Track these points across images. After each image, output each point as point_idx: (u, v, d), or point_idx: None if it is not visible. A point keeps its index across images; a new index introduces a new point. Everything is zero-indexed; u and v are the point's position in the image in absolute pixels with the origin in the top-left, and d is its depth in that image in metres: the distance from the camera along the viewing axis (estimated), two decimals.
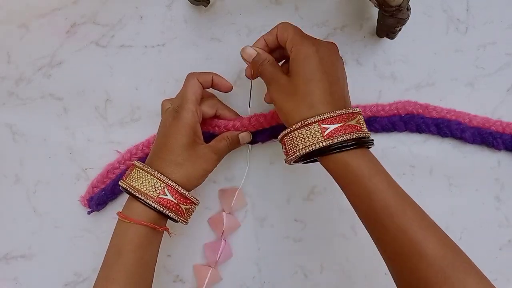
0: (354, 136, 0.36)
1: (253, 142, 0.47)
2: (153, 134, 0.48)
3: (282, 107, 0.38)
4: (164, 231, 0.40)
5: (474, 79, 0.48)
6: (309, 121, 0.36)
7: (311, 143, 0.36)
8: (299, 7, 0.47)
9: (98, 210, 0.48)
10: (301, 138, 0.36)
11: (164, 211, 0.38)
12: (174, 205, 0.39)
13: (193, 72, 0.43)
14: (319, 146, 0.35)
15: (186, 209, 0.40)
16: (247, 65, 0.42)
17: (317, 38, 0.39)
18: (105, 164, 0.49)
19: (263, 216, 0.49)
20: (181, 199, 0.39)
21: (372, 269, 0.49)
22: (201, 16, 0.48)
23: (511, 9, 0.48)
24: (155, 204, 0.38)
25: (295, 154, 0.37)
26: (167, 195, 0.38)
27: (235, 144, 0.45)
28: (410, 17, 0.42)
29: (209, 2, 0.45)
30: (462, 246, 0.49)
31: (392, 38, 0.46)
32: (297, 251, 0.49)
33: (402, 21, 0.42)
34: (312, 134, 0.36)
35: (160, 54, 0.48)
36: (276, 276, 0.49)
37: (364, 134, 0.36)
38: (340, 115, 0.36)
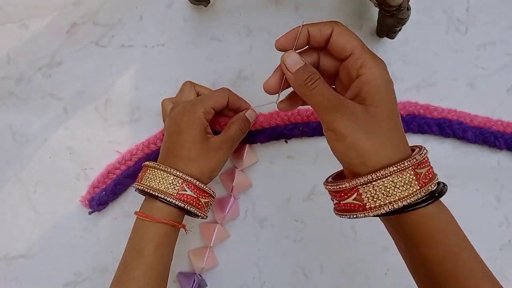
0: (438, 181, 0.31)
1: (251, 141, 0.47)
2: (154, 134, 0.48)
3: (359, 145, 0.30)
4: (181, 228, 0.40)
5: (474, 79, 0.48)
6: (404, 166, 0.29)
7: (407, 194, 0.29)
8: (299, 6, 0.47)
9: (99, 211, 0.48)
10: (392, 188, 0.29)
11: (186, 207, 0.38)
12: (195, 199, 0.39)
13: (229, 89, 0.44)
14: (418, 198, 0.29)
15: (205, 202, 0.40)
16: (274, 76, 0.34)
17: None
18: (105, 164, 0.49)
19: (263, 216, 0.49)
20: (200, 193, 0.39)
21: (372, 269, 0.49)
22: (201, 16, 0.48)
23: (511, 9, 0.48)
24: (176, 201, 0.38)
25: (383, 209, 0.29)
26: (186, 191, 0.38)
27: (245, 125, 0.44)
28: (410, 17, 0.42)
29: (209, 1, 0.45)
30: None
31: (392, 38, 0.46)
32: (297, 251, 0.49)
33: (402, 21, 0.42)
34: (407, 182, 0.29)
35: (160, 54, 0.48)
36: (276, 276, 0.49)
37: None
38: (426, 157, 0.30)
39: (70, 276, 0.49)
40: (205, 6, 0.46)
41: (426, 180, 0.30)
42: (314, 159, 0.48)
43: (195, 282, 0.47)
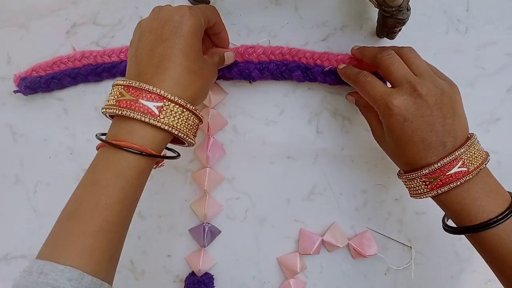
0: (458, 183, 0.35)
1: (247, 77, 0.46)
2: (112, 48, 0.47)
3: (386, 152, 0.40)
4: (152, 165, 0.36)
5: (474, 79, 0.48)
6: (412, 176, 0.37)
7: (417, 194, 0.37)
8: (299, 7, 0.47)
9: (25, 94, 0.47)
10: (411, 187, 0.38)
11: (124, 113, 0.32)
12: (133, 102, 0.33)
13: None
14: (426, 196, 0.37)
15: (156, 106, 0.33)
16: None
17: (402, 87, 0.36)
18: None
19: (263, 216, 0.49)
20: (140, 94, 0.33)
21: (372, 269, 0.49)
22: None
23: (511, 9, 0.48)
24: (114, 108, 0.33)
25: (481, 167, 0.36)
26: (124, 96, 0.33)
27: (222, 61, 0.42)
28: (410, 17, 0.42)
29: (209, 2, 0.45)
30: (462, 246, 0.49)
31: (392, 38, 0.46)
32: (297, 251, 0.49)
33: (402, 22, 0.42)
34: (417, 186, 0.37)
35: None
36: (276, 276, 0.49)
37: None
38: (438, 168, 0.35)
39: None
40: None
41: (439, 185, 0.36)
42: (314, 159, 0.49)
43: (206, 230, 0.47)
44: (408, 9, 0.41)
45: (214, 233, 0.48)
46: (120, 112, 0.32)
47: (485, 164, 0.36)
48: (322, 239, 0.48)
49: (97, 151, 0.35)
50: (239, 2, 0.47)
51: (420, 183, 0.36)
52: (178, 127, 0.33)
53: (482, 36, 0.48)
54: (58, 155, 0.49)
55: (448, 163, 0.35)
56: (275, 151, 0.48)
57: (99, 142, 0.34)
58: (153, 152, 0.33)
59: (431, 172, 0.35)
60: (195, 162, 0.49)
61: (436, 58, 0.48)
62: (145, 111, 0.32)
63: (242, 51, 0.46)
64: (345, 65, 0.44)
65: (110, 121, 0.49)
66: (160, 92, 0.32)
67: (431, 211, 0.49)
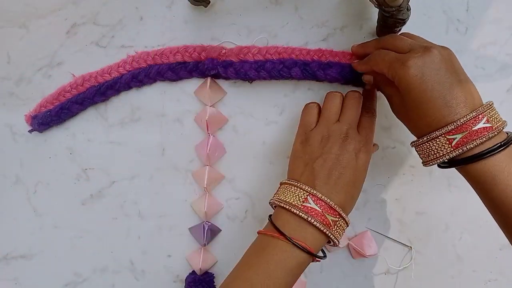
0: (483, 139, 0.35)
1: (213, 75, 0.47)
2: (110, 64, 0.47)
3: (405, 122, 0.41)
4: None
5: (474, 79, 0.48)
6: (436, 134, 0.36)
7: (437, 156, 0.37)
8: (299, 7, 0.47)
9: (40, 131, 0.48)
10: (430, 150, 0.38)
11: (309, 219, 0.37)
12: (319, 214, 0.37)
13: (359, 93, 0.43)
14: (448, 158, 0.37)
15: (333, 221, 0.38)
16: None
17: (414, 49, 0.38)
18: (105, 164, 0.49)
19: (263, 216, 0.49)
20: (326, 209, 0.38)
21: (372, 269, 0.49)
22: (201, 16, 0.48)
23: (511, 9, 0.48)
24: (299, 211, 0.37)
25: (503, 125, 0.37)
26: (310, 203, 0.38)
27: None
28: (410, 17, 0.42)
29: (209, 2, 0.45)
30: (462, 246, 0.49)
31: None
32: None
33: (402, 22, 0.42)
34: (440, 146, 0.37)
35: None
36: None
37: (494, 133, 0.35)
38: (463, 123, 0.35)
39: (70, 276, 0.49)
40: (205, 7, 0.46)
41: (461, 143, 0.36)
42: None
43: (206, 229, 0.48)
44: (408, 9, 0.41)
45: (214, 231, 0.48)
46: (308, 219, 0.37)
47: (504, 127, 0.37)
48: None
49: (259, 235, 0.40)
50: (239, 2, 0.47)
51: (444, 141, 0.36)
52: (340, 237, 0.39)
53: (482, 36, 0.48)
54: (58, 155, 0.49)
55: (473, 117, 0.35)
56: (275, 151, 0.48)
57: (268, 229, 0.39)
58: (321, 255, 0.39)
59: (457, 127, 0.35)
60: (195, 162, 0.49)
61: None
62: (326, 223, 0.37)
63: (237, 51, 0.46)
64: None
65: (109, 121, 0.49)
66: (341, 212, 0.38)
67: (431, 211, 0.49)
